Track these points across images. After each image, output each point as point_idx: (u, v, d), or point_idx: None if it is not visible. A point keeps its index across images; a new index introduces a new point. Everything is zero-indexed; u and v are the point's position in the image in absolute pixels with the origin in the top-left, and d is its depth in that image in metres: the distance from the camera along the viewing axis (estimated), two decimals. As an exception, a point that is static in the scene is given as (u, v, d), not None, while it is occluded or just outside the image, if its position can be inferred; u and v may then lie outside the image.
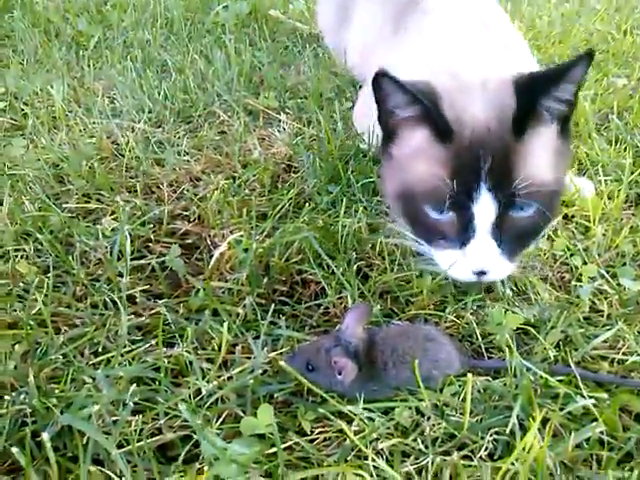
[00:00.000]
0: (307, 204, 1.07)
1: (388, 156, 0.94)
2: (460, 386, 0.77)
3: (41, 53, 1.72)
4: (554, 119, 0.86)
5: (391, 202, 0.96)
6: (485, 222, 0.82)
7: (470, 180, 0.81)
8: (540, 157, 0.84)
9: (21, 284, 0.91)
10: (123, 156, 1.24)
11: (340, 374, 0.73)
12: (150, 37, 1.79)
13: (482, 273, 0.85)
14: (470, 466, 0.67)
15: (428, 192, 0.84)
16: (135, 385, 0.72)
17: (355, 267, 0.94)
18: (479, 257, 0.83)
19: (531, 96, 0.83)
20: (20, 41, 1.77)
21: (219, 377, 0.77)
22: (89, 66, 1.64)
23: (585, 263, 0.97)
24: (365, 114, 1.22)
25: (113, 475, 0.65)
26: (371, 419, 0.72)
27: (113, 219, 1.05)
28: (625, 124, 1.39)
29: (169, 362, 0.78)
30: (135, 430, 0.70)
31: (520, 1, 2.20)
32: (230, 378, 0.77)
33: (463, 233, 0.84)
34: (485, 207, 0.81)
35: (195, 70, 1.61)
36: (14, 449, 0.62)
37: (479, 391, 0.77)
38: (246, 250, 0.95)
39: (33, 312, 0.84)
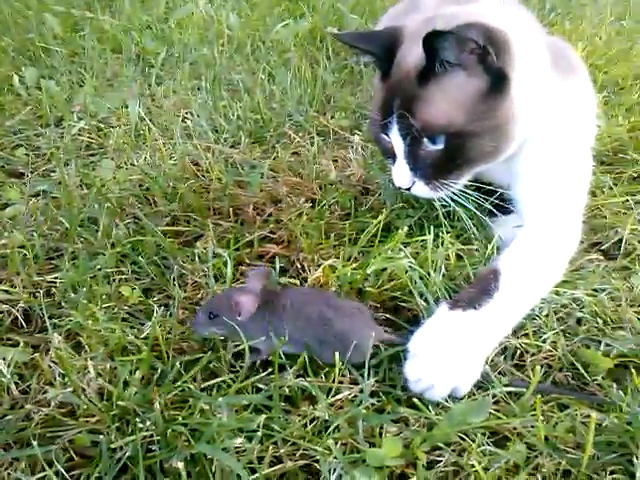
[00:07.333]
0: (392, 229, 1.09)
1: None
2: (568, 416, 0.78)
3: (109, 71, 1.76)
4: (469, 67, 0.93)
5: None
6: (400, 150, 1.02)
7: (387, 115, 1.00)
8: (446, 102, 0.95)
9: (124, 307, 0.94)
10: (204, 177, 1.26)
11: (240, 315, 0.81)
12: (216, 55, 1.82)
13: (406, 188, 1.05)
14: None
15: (372, 119, 1.08)
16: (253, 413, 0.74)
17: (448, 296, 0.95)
18: (397, 177, 1.05)
19: (429, 48, 0.92)
20: (89, 59, 1.81)
21: (331, 405, 0.78)
22: (158, 84, 1.68)
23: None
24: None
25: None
26: (487, 452, 0.73)
27: (206, 242, 1.07)
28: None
29: (282, 389, 0.79)
30: (256, 458, 0.72)
31: (578, 21, 2.19)
32: (341, 407, 0.79)
33: (393, 155, 1.04)
34: (397, 139, 1.01)
35: (263, 90, 1.63)
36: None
37: (584, 424, 0.77)
38: (338, 276, 0.97)
39: (142, 336, 0.87)
